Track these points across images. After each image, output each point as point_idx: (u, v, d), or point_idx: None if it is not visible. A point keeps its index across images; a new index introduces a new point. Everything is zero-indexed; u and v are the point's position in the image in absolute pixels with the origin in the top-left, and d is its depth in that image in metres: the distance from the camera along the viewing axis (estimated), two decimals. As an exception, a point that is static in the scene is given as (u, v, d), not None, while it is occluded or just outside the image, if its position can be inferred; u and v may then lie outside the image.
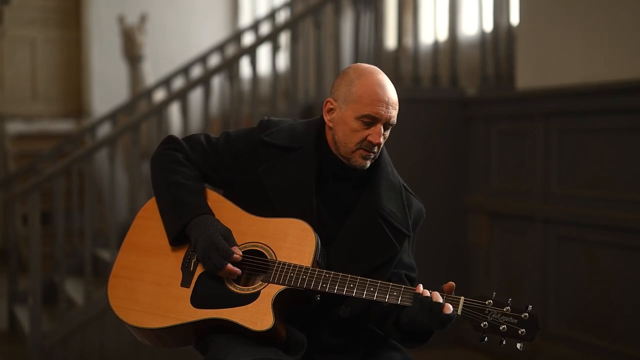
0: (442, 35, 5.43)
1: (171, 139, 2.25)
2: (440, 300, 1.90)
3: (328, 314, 2.09)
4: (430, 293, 1.91)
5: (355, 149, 2.08)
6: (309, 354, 2.07)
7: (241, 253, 2.06)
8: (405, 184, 2.22)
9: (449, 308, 1.88)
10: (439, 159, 4.79)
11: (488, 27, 5.10)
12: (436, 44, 5.01)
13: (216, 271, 2.03)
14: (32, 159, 6.12)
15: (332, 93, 2.13)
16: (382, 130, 2.07)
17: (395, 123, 2.10)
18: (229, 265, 2.02)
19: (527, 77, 4.47)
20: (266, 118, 2.25)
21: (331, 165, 2.13)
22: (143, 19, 7.07)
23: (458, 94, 4.88)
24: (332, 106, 2.12)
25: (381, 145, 2.10)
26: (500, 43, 5.04)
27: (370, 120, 2.06)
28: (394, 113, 2.08)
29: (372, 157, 2.10)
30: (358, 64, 2.14)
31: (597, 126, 4.01)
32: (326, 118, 2.14)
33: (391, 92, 2.08)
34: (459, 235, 4.82)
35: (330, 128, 2.12)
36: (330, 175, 2.14)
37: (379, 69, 2.12)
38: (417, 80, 4.94)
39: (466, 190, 4.83)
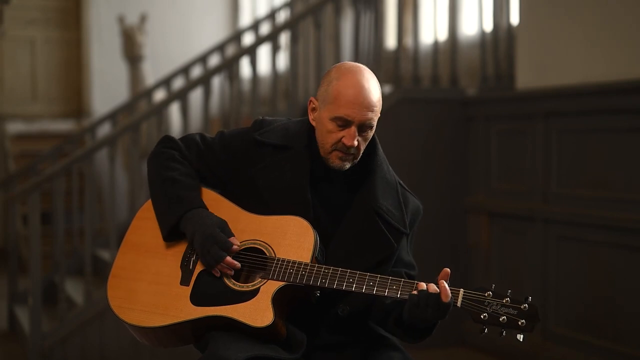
0: (442, 35, 5.43)
1: (167, 138, 2.26)
2: (436, 290, 1.90)
3: (327, 313, 2.09)
4: (427, 285, 1.92)
5: (331, 150, 2.07)
6: (308, 352, 2.07)
7: (239, 243, 2.06)
8: (401, 182, 2.21)
9: (447, 296, 1.89)
10: (439, 159, 4.79)
11: (488, 27, 5.10)
12: (436, 44, 5.01)
13: (215, 264, 2.03)
14: (32, 159, 6.12)
15: (317, 92, 2.13)
16: (357, 132, 2.04)
17: (373, 125, 2.06)
18: (228, 258, 2.03)
19: (527, 77, 4.47)
20: (260, 117, 2.25)
21: (324, 165, 2.12)
22: (143, 19, 7.07)
23: (458, 94, 4.88)
24: (314, 105, 2.13)
25: (360, 148, 2.08)
26: (500, 43, 5.04)
27: (343, 123, 2.04)
28: (370, 115, 2.04)
29: (350, 158, 2.08)
30: (343, 62, 2.12)
31: (597, 126, 4.01)
32: (310, 117, 2.15)
33: (368, 93, 2.04)
34: (459, 235, 4.82)
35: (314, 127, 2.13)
36: (324, 174, 2.13)
37: (362, 68, 2.08)
38: (417, 80, 4.94)
39: (466, 190, 4.83)
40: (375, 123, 2.07)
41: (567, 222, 4.14)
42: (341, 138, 2.04)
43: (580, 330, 4.07)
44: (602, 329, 3.94)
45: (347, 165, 2.09)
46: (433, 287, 1.91)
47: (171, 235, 2.13)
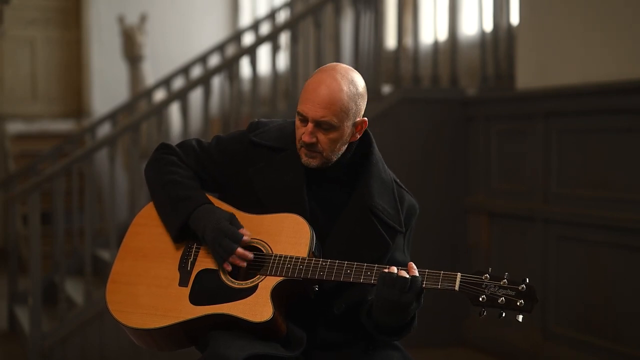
0: (442, 35, 5.43)
1: (164, 145, 2.28)
2: (405, 275, 1.93)
3: (326, 310, 2.10)
4: (398, 270, 1.95)
5: (300, 147, 2.09)
6: (308, 350, 2.08)
7: (249, 233, 2.07)
8: (397, 179, 2.21)
9: (413, 268, 1.94)
10: (439, 159, 4.79)
11: (488, 27, 5.10)
12: (436, 44, 5.01)
13: (228, 256, 2.03)
14: (32, 159, 6.12)
15: None
16: (313, 129, 2.03)
17: (334, 124, 2.02)
18: (240, 249, 2.03)
19: (527, 77, 4.47)
20: (256, 120, 2.27)
21: None
22: (143, 19, 7.07)
23: (458, 94, 4.88)
24: None
25: (325, 148, 2.05)
26: (500, 43, 5.04)
27: (302, 118, 2.06)
28: (322, 112, 2.01)
29: (316, 156, 2.07)
30: (329, 63, 2.14)
31: (597, 126, 4.01)
32: None
33: (325, 91, 2.01)
34: (459, 235, 4.82)
35: None
36: (320, 174, 2.14)
37: (336, 67, 2.06)
38: (417, 80, 4.94)
39: (466, 191, 4.83)
40: (337, 124, 2.03)
41: (567, 222, 4.14)
42: (302, 134, 2.07)
43: (580, 330, 4.07)
44: (602, 329, 3.94)
45: (314, 163, 2.08)
46: (403, 273, 1.94)
47: (179, 237, 2.14)
